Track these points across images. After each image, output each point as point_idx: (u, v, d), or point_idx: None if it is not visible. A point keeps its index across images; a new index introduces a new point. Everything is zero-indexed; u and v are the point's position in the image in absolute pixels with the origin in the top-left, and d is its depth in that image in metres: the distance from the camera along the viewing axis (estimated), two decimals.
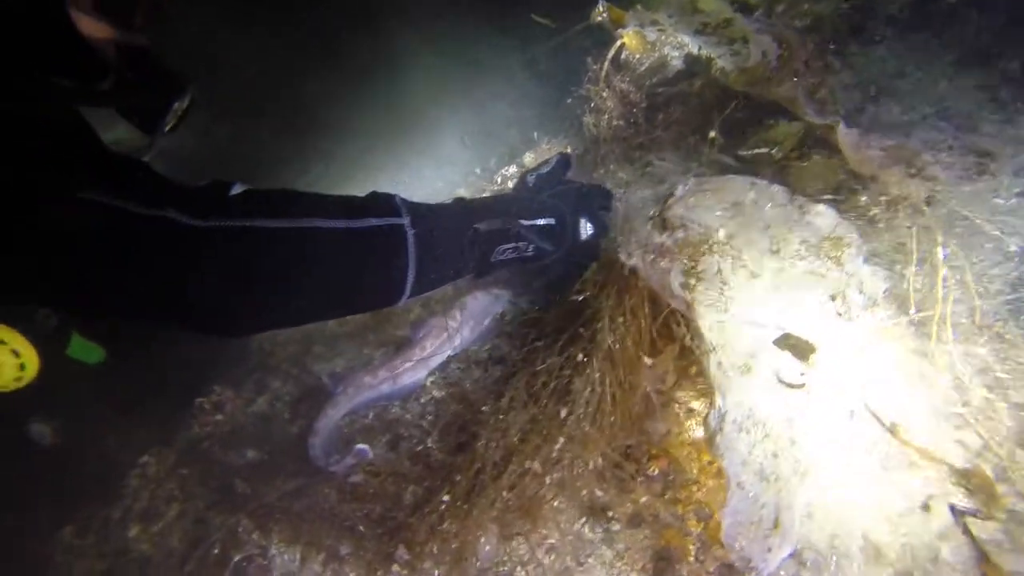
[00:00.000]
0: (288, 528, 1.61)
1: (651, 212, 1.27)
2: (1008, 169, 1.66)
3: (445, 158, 2.61)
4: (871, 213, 1.38)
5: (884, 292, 1.31)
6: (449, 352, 1.85)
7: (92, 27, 1.39)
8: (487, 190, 2.39)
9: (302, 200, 1.27)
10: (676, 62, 2.32)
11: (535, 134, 2.49)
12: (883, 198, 1.42)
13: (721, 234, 1.25)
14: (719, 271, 1.23)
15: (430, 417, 1.67)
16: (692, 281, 1.20)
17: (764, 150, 1.86)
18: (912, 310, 1.31)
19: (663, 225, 1.24)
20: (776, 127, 1.88)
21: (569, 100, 2.44)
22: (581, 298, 1.29)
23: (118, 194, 1.12)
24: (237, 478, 1.82)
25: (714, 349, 1.08)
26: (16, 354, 1.40)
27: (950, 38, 2.28)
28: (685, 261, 1.19)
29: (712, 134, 1.69)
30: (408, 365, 1.81)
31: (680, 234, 1.21)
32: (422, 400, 1.83)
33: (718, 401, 1.03)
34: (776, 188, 1.28)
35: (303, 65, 2.45)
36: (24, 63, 1.30)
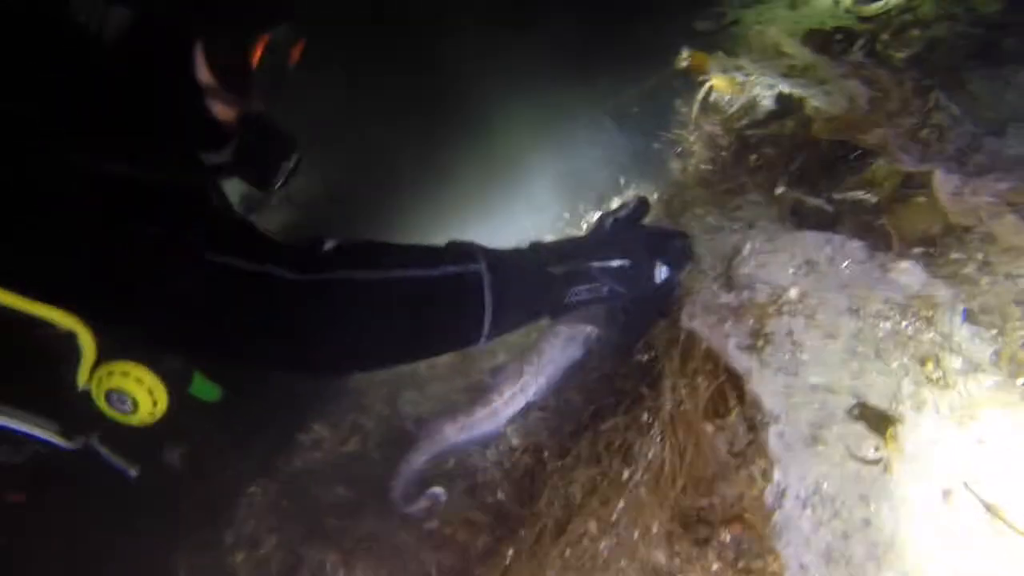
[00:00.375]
0: (371, 568, 1.68)
1: (717, 270, 1.23)
2: None
3: (535, 204, 2.67)
4: (973, 269, 1.25)
5: (991, 355, 1.18)
6: (527, 399, 1.87)
7: (221, 109, 1.60)
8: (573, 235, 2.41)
9: (387, 251, 1.39)
10: (767, 102, 2.24)
11: (622, 180, 2.49)
12: (991, 249, 1.28)
13: (793, 293, 1.19)
14: (790, 332, 1.17)
15: (506, 466, 1.70)
16: (760, 343, 1.15)
17: (860, 193, 1.74)
18: None
19: (729, 284, 1.20)
20: (875, 168, 1.76)
21: (657, 145, 2.42)
22: (646, 357, 1.27)
23: (230, 252, 1.27)
24: (329, 515, 1.94)
25: (775, 419, 1.02)
26: (151, 392, 1.59)
27: None
28: (751, 323, 1.14)
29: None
30: (486, 412, 1.85)
31: (746, 294, 1.17)
32: (500, 447, 1.86)
33: (776, 475, 0.97)
34: (854, 244, 1.20)
35: (404, 118, 2.64)
36: (168, 141, 1.53)
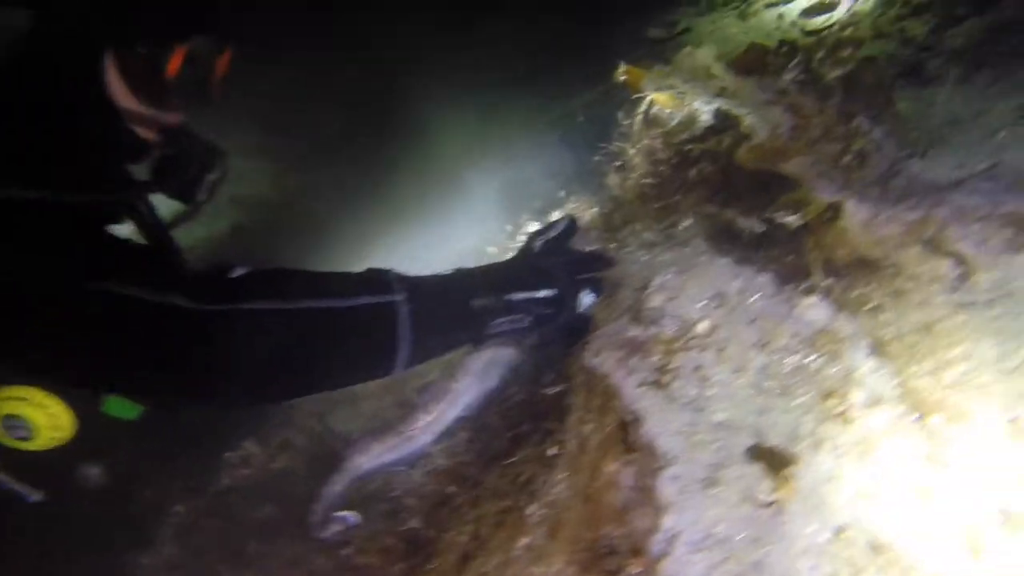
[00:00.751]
0: None
1: (627, 302, 1.22)
2: None
3: (477, 216, 2.64)
4: (879, 301, 1.25)
5: (893, 389, 1.19)
6: (456, 415, 1.84)
7: (138, 121, 1.51)
8: (510, 247, 2.38)
9: (298, 280, 1.35)
10: (706, 117, 2.24)
11: (562, 193, 2.47)
12: (897, 281, 1.29)
13: (702, 327, 1.17)
14: (699, 367, 1.16)
15: (425, 490, 1.66)
16: (666, 378, 1.14)
17: (789, 215, 1.75)
18: (928, 413, 1.18)
19: (637, 317, 1.18)
20: (802, 187, 1.77)
21: (598, 157, 2.40)
22: (558, 389, 1.25)
23: (128, 282, 1.22)
24: (251, 538, 1.88)
25: (672, 460, 1.01)
26: (53, 417, 1.52)
27: (1019, 79, 2.08)
28: (657, 358, 1.13)
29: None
30: (412, 431, 1.81)
31: (653, 329, 1.15)
32: (426, 469, 1.82)
33: (665, 522, 0.95)
34: (764, 277, 1.19)
35: (341, 127, 2.59)
36: (75, 155, 1.46)
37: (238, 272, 1.30)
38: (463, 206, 2.66)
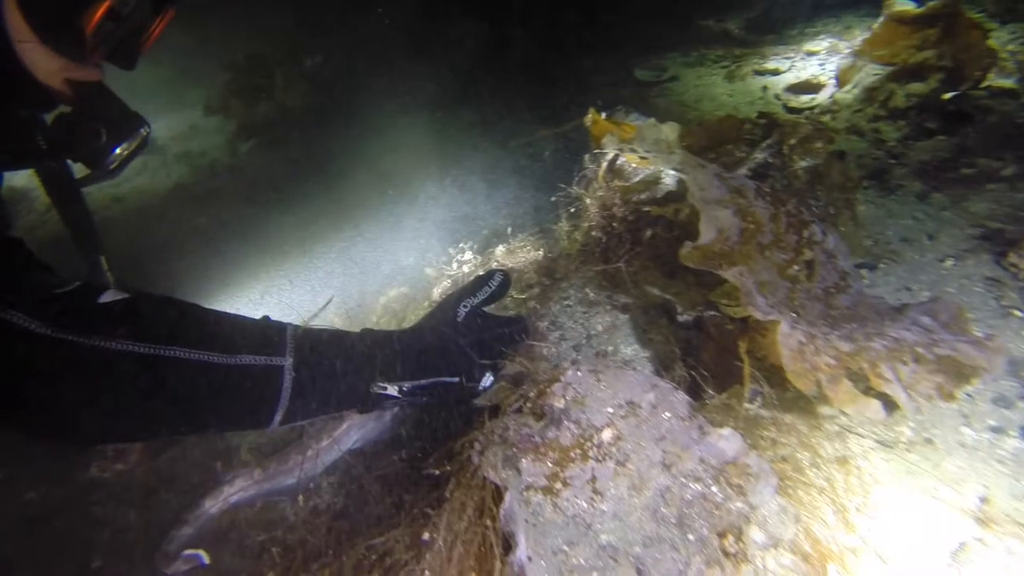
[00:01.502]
0: None
1: (530, 393, 1.11)
2: (988, 394, 1.45)
3: (422, 233, 2.50)
4: (796, 435, 1.18)
5: (792, 534, 1.12)
6: (344, 447, 1.71)
7: (42, 67, 1.35)
8: (446, 273, 2.26)
9: (181, 323, 1.21)
10: (668, 180, 2.18)
11: (509, 228, 2.36)
12: (820, 413, 1.23)
13: (606, 435, 1.08)
14: (593, 478, 1.06)
15: (308, 525, 1.52)
16: (557, 486, 1.04)
17: (726, 306, 1.68)
18: (825, 562, 1.11)
19: (538, 412, 1.08)
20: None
21: (554, 198, 2.30)
22: (439, 472, 1.13)
23: None
24: (98, 551, 1.70)
25: None
26: None
27: (975, 209, 2.07)
28: (550, 464, 1.03)
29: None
30: (299, 459, 1.68)
31: (553, 431, 1.05)
32: (311, 503, 1.69)
33: None
34: (679, 397, 1.10)
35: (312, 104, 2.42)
36: None
37: (108, 297, 1.15)
38: (413, 222, 2.52)
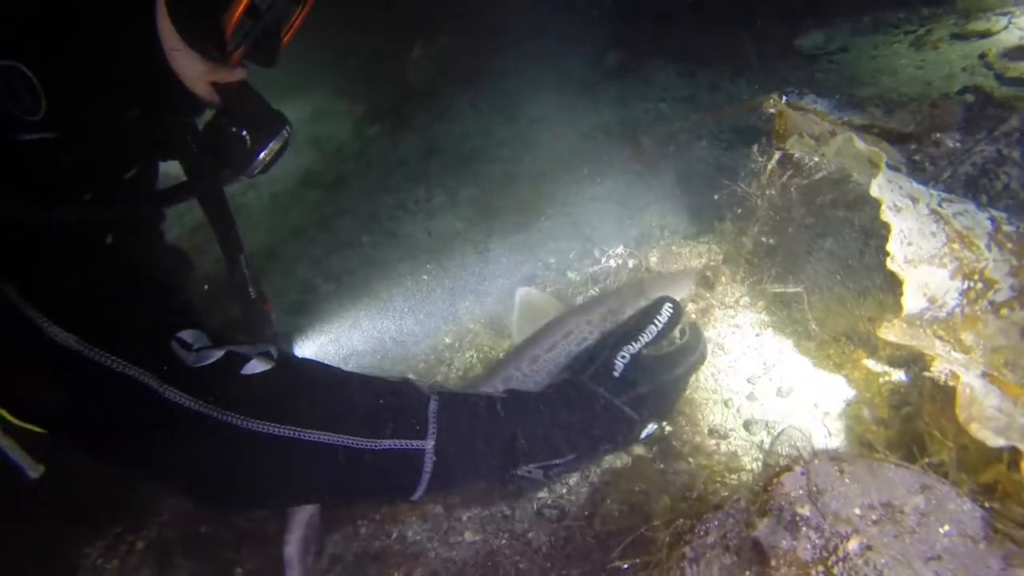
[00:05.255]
0: None
1: (744, 499, 0.86)
2: None
3: (565, 234, 2.26)
4: None
5: None
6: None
7: (189, 71, 1.33)
8: (591, 274, 2.00)
9: (319, 401, 1.19)
10: (860, 178, 1.81)
11: (661, 229, 2.08)
12: None
13: (853, 545, 0.82)
14: None
15: None
16: None
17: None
18: None
19: (761, 511, 0.84)
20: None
21: (716, 196, 1.99)
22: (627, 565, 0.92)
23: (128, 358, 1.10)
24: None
25: None
26: None
27: None
28: None
29: None
30: None
31: (786, 541, 0.80)
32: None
33: None
34: (966, 507, 0.82)
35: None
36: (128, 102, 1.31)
37: (254, 368, 1.15)
38: (562, 219, 2.29)
